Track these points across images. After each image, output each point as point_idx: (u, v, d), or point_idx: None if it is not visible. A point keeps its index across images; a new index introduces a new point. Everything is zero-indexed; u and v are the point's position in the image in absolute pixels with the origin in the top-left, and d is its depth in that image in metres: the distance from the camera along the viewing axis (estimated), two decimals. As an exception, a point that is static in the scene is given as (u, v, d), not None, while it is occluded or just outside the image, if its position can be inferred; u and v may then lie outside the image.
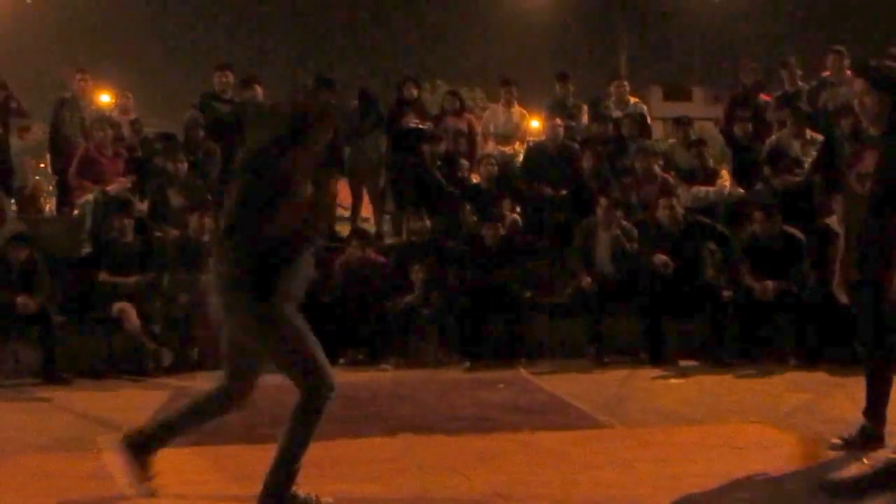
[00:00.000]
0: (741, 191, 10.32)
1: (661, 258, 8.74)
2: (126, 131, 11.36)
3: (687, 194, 10.03)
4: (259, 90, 11.33)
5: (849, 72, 10.87)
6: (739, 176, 10.58)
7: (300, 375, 4.30)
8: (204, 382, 8.09)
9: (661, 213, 9.07)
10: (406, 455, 5.25)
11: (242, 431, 6.00)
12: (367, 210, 12.36)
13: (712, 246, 9.24)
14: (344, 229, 11.65)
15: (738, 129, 11.07)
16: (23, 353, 8.74)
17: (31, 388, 8.07)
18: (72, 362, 8.56)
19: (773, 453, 5.11)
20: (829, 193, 9.21)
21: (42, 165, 33.17)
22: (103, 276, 9.07)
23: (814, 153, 10.27)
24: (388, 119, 11.83)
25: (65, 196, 11.41)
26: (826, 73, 11.21)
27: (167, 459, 5.17)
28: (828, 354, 8.26)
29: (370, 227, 11.60)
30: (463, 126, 11.94)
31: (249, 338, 4.36)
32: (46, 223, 11.48)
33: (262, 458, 4.87)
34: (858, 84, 10.78)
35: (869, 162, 5.09)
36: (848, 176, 5.36)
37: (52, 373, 8.32)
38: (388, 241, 10.79)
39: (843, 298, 5.29)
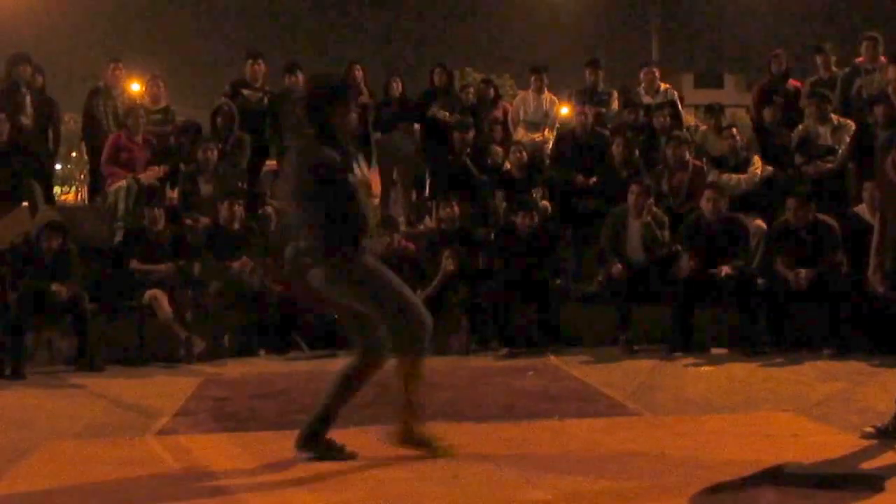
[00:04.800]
0: (772, 170, 10.23)
1: (687, 263, 8.71)
2: (157, 119, 11.42)
3: (718, 182, 9.96)
4: (301, 77, 11.38)
5: (883, 58, 10.77)
6: (772, 164, 10.49)
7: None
8: (234, 369, 8.20)
9: (705, 205, 9.00)
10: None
11: (275, 418, 6.06)
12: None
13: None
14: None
15: (767, 116, 10.97)
16: (57, 340, 8.83)
17: (65, 376, 8.16)
18: (105, 350, 8.63)
19: (805, 442, 5.08)
20: (863, 181, 9.13)
21: (74, 154, 33.41)
22: (135, 265, 9.14)
23: (846, 139, 10.17)
24: (419, 106, 11.84)
25: (97, 185, 11.50)
26: (860, 60, 11.08)
27: (201, 446, 5.24)
28: (861, 343, 8.20)
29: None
30: (498, 114, 11.96)
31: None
32: (79, 211, 11.58)
33: (293, 444, 4.92)
34: (893, 71, 10.75)
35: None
36: (882, 163, 5.30)
37: (85, 360, 8.39)
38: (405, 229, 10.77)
39: (879, 287, 5.25)
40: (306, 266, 4.78)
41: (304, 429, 4.82)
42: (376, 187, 12.27)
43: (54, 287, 8.39)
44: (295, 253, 4.84)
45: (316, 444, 4.79)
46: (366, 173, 9.91)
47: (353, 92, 5.10)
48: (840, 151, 10.16)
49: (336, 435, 4.89)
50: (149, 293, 8.86)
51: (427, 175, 11.95)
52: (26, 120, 10.62)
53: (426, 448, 4.81)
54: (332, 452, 4.77)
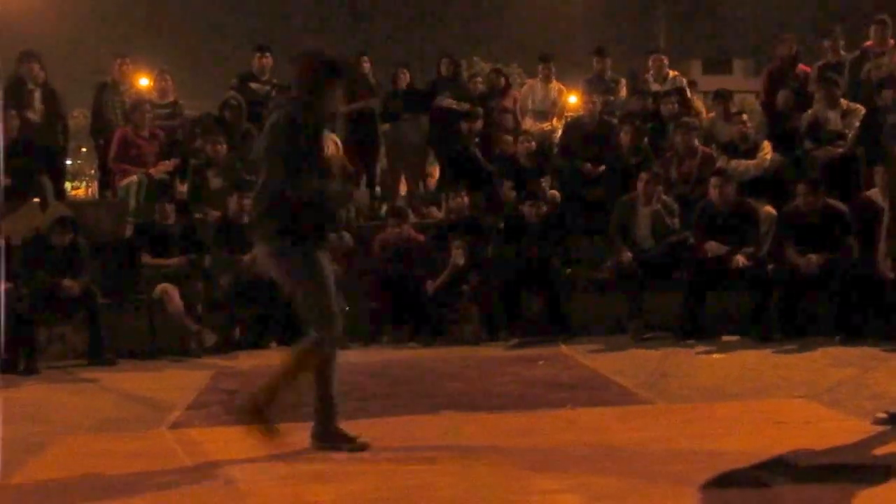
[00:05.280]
0: (782, 157, 10.20)
1: (712, 246, 8.68)
2: (165, 113, 11.43)
3: (727, 168, 9.93)
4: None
5: (892, 42, 10.72)
6: (782, 149, 10.45)
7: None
8: (246, 362, 8.22)
9: (713, 193, 8.99)
10: (449, 432, 5.28)
11: (290, 409, 6.06)
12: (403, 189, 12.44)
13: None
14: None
15: (780, 99, 10.93)
16: (69, 335, 8.87)
17: (77, 370, 8.19)
18: (116, 344, 8.67)
19: (817, 429, 5.08)
20: (872, 165, 9.10)
21: (84, 150, 33.47)
22: (146, 259, 9.18)
23: (855, 124, 10.13)
24: (427, 97, 11.84)
25: (107, 180, 11.53)
26: (869, 44, 11.03)
27: (214, 438, 5.26)
28: (872, 329, 8.18)
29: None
30: (508, 103, 11.95)
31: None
32: (89, 206, 11.61)
33: (305, 435, 4.94)
34: (902, 54, 10.64)
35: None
36: (892, 147, 5.28)
37: (98, 354, 8.43)
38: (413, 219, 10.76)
39: (889, 272, 5.23)
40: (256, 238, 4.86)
41: (316, 425, 4.89)
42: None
43: (66, 282, 8.42)
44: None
45: (328, 435, 4.84)
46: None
47: (345, 73, 5.11)
48: (850, 136, 10.12)
49: (348, 427, 4.91)
50: (160, 287, 8.89)
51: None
52: (34, 115, 10.64)
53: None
54: (344, 443, 4.80)
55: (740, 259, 8.57)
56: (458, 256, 9.16)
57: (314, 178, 4.71)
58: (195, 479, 4.44)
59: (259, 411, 4.72)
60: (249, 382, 6.96)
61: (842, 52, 11.29)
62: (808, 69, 11.44)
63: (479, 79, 12.81)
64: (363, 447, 4.80)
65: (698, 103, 12.29)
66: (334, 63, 4.96)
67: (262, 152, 4.85)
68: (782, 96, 10.88)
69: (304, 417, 5.45)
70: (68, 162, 17.99)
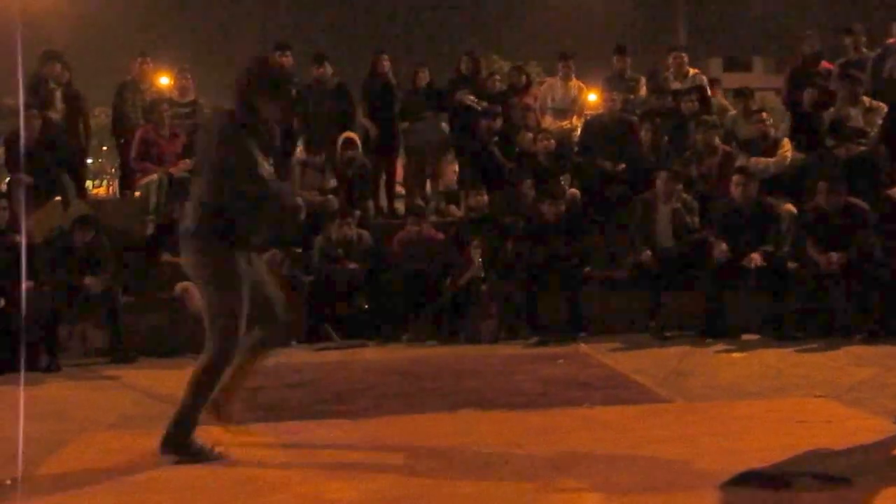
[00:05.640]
0: (802, 155, 10.16)
1: (721, 249, 8.65)
2: (185, 112, 11.48)
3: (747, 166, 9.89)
4: (329, 68, 11.42)
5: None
6: (805, 146, 10.40)
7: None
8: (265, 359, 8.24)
9: (734, 190, 8.95)
10: (467, 430, 5.28)
11: (305, 407, 6.09)
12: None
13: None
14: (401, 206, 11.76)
15: (806, 97, 10.86)
16: (90, 333, 8.93)
17: (98, 367, 8.24)
18: (137, 341, 8.71)
19: (837, 428, 5.04)
20: (895, 163, 9.05)
21: (105, 148, 33.62)
22: (166, 257, 9.21)
23: (878, 122, 10.07)
24: (446, 96, 11.84)
25: (127, 178, 11.60)
26: (890, 41, 10.97)
27: (233, 435, 5.27)
28: (894, 328, 8.13)
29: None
30: (529, 101, 11.95)
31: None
32: (110, 205, 11.68)
33: (324, 433, 4.95)
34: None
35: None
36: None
37: (118, 352, 8.48)
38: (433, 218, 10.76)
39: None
40: (183, 241, 4.75)
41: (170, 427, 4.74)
42: (401, 176, 12.31)
43: (87, 280, 8.47)
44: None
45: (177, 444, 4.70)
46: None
47: (284, 87, 4.99)
48: (872, 134, 10.07)
49: (365, 424, 4.92)
50: (180, 285, 8.92)
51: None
52: (55, 115, 10.72)
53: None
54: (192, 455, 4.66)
55: (756, 258, 8.53)
56: (476, 255, 9.17)
57: (254, 184, 4.62)
58: (215, 476, 4.45)
59: (182, 444, 4.64)
60: (269, 379, 6.99)
61: (863, 50, 11.23)
62: (830, 66, 11.38)
63: (498, 77, 12.80)
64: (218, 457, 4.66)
65: (723, 101, 12.26)
66: (270, 73, 4.85)
67: (201, 157, 4.77)
68: (808, 95, 10.82)
69: (319, 415, 5.48)
70: (89, 160, 18.09)
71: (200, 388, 4.69)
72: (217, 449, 4.69)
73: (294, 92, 11.27)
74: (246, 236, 4.71)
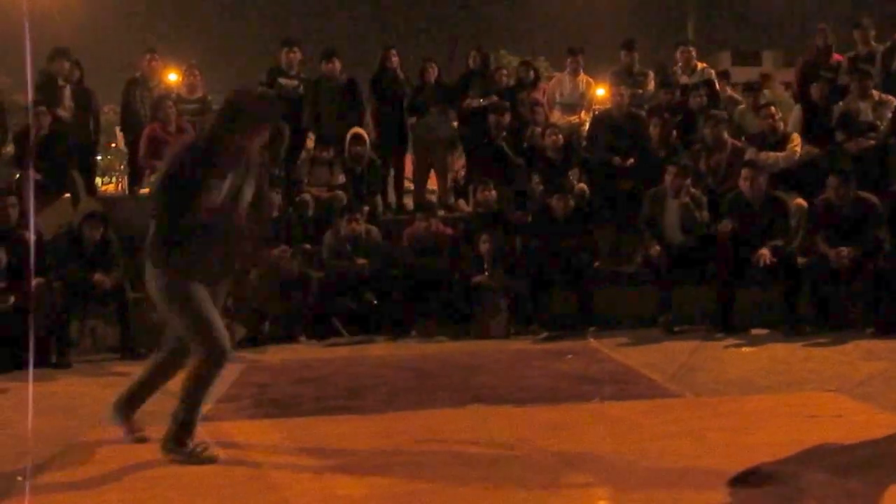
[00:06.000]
0: (813, 149, 10.13)
1: (724, 224, 8.65)
2: (194, 109, 11.48)
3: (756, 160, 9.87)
4: (338, 64, 11.42)
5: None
6: (815, 140, 10.37)
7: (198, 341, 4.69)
8: (275, 356, 8.27)
9: (743, 184, 8.93)
10: (477, 425, 5.29)
11: (315, 403, 6.10)
12: (432, 183, 12.44)
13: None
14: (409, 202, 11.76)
15: (814, 92, 10.85)
16: (100, 329, 8.95)
17: (108, 364, 8.25)
18: (147, 338, 8.71)
19: (848, 422, 5.04)
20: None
21: (113, 146, 33.66)
22: (176, 253, 9.23)
23: (887, 116, 10.04)
24: (455, 91, 11.83)
25: (136, 175, 11.62)
26: (901, 35, 10.94)
27: (244, 431, 5.29)
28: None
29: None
30: (538, 95, 11.94)
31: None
32: (119, 202, 11.70)
33: (334, 429, 4.96)
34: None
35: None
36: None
37: (129, 348, 8.50)
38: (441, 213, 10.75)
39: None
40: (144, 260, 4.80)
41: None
42: (410, 172, 12.31)
43: (97, 276, 8.49)
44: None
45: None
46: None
47: (262, 124, 4.82)
48: (882, 128, 10.04)
49: (374, 420, 4.93)
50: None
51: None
52: (64, 112, 10.74)
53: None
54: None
55: (765, 255, 8.50)
56: (486, 251, 9.18)
57: (200, 211, 4.60)
58: (226, 471, 4.47)
59: (183, 445, 4.66)
60: (278, 375, 7.02)
61: (873, 43, 11.19)
62: (842, 58, 11.34)
63: (505, 72, 12.79)
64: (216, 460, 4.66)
65: (734, 93, 12.23)
66: (251, 107, 4.79)
67: (161, 175, 4.71)
68: (816, 88, 10.80)
69: (329, 411, 5.49)
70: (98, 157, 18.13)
71: (194, 393, 4.71)
72: (216, 451, 4.69)
73: (301, 88, 11.30)
74: (199, 264, 4.71)
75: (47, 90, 10.69)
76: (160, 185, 4.65)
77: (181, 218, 4.60)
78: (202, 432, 4.78)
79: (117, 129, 12.08)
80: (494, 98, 11.49)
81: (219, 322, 4.72)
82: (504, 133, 11.00)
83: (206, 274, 4.75)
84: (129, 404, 5.10)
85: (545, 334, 8.81)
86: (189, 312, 4.67)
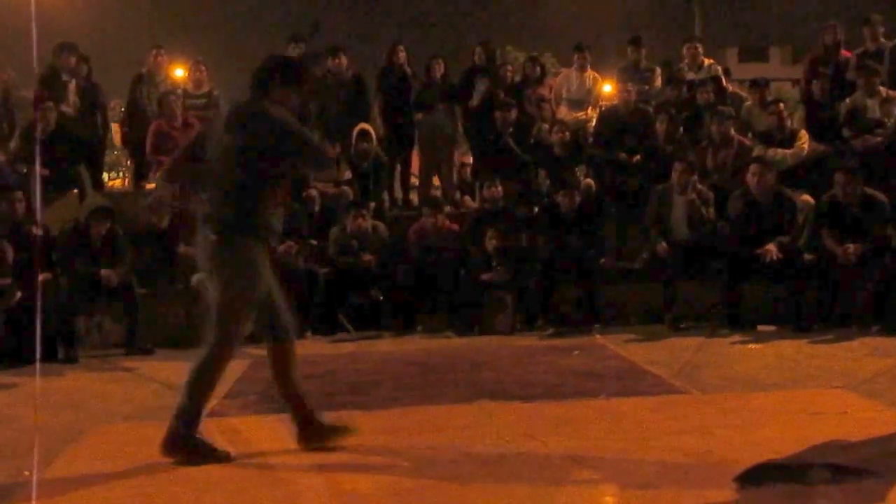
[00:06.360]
0: (822, 147, 10.12)
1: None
2: (200, 104, 11.49)
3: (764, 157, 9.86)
4: (344, 60, 11.42)
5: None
6: (818, 136, 10.36)
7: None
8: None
9: (751, 181, 8.91)
10: (483, 421, 5.29)
11: (322, 399, 6.09)
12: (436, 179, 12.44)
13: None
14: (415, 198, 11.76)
15: (815, 88, 10.84)
16: (107, 324, 8.97)
17: (115, 359, 8.28)
18: (154, 333, 8.74)
19: (854, 419, 5.04)
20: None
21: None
22: (182, 249, 9.24)
23: (895, 113, 10.01)
24: (461, 87, 11.82)
25: (141, 170, 11.63)
26: (910, 31, 10.91)
27: (250, 427, 5.30)
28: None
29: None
30: (545, 91, 11.92)
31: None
32: (126, 197, 11.71)
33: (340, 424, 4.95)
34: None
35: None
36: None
37: (135, 344, 8.51)
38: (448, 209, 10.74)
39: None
40: (204, 237, 4.68)
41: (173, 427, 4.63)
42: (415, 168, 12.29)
43: (104, 272, 8.50)
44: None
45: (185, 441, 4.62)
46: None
47: (303, 78, 4.93)
48: (889, 124, 10.01)
49: (380, 416, 4.93)
50: (196, 277, 8.95)
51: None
52: (67, 108, 10.74)
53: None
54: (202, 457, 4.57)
55: (772, 250, 8.49)
56: (492, 247, 9.18)
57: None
58: (232, 466, 4.48)
59: (184, 444, 4.55)
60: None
61: (881, 40, 11.16)
62: (850, 55, 11.31)
63: (510, 67, 12.78)
64: (226, 457, 4.58)
65: (740, 89, 12.21)
66: (288, 64, 4.89)
67: (217, 148, 4.68)
68: (817, 85, 10.78)
69: (335, 407, 5.49)
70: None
71: (199, 386, 4.63)
72: (223, 449, 4.63)
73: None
74: (267, 222, 4.65)
75: (51, 85, 10.69)
76: (227, 150, 4.62)
77: (257, 175, 4.58)
78: (210, 428, 4.79)
79: (115, 125, 12.07)
80: (489, 84, 11.45)
81: (248, 321, 4.71)
82: (510, 129, 10.99)
83: (273, 234, 4.79)
84: (303, 421, 4.76)
85: (551, 330, 8.82)
86: (241, 291, 4.60)
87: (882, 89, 10.24)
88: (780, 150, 9.89)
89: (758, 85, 11.28)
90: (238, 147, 4.58)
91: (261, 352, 8.20)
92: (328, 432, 4.73)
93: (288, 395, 4.80)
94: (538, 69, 12.27)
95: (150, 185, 10.83)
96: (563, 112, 11.78)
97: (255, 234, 4.63)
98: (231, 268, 4.60)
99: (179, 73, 15.94)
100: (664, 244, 8.94)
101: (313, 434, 4.71)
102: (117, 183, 32.73)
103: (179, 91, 11.41)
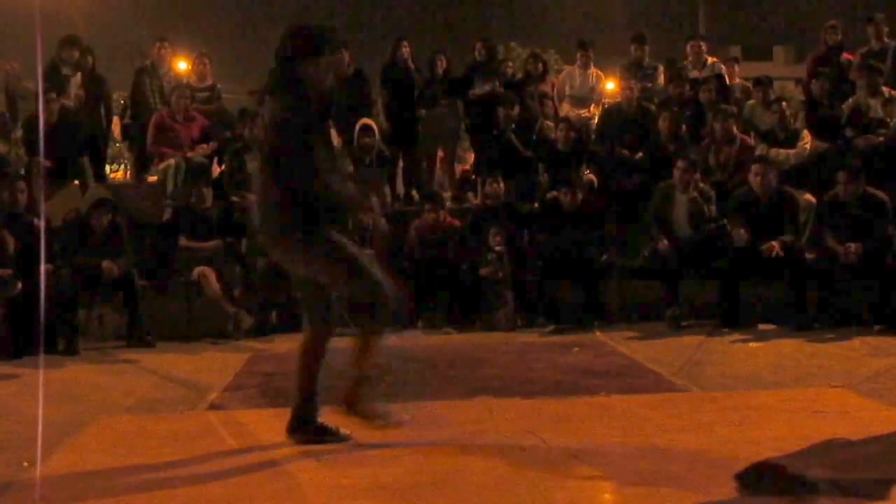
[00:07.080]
0: (824, 145, 10.12)
1: (740, 233, 8.62)
2: (203, 97, 11.49)
3: (766, 156, 9.85)
4: (346, 55, 11.41)
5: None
6: (824, 137, 10.35)
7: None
8: (282, 345, 8.27)
9: (754, 180, 8.90)
10: (484, 418, 5.29)
11: (322, 393, 6.09)
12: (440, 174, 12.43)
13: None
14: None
15: (815, 87, 10.83)
16: (108, 316, 8.98)
17: (116, 351, 8.29)
18: (155, 325, 8.75)
19: (854, 418, 5.03)
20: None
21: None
22: (183, 242, 9.26)
23: (896, 112, 10.03)
24: (464, 83, 11.81)
25: (142, 163, 11.64)
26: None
27: (250, 420, 5.30)
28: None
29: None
30: (547, 88, 11.92)
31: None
32: (128, 189, 11.73)
33: (339, 419, 4.95)
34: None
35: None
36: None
37: (136, 336, 8.52)
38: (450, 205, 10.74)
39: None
40: (262, 243, 4.68)
41: (292, 417, 4.73)
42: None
43: (105, 264, 8.50)
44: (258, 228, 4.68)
45: (307, 428, 4.71)
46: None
47: (331, 45, 4.66)
48: (892, 124, 10.01)
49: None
50: (197, 270, 8.97)
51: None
52: (68, 101, 10.73)
53: (365, 421, 4.70)
54: (326, 436, 4.69)
55: (775, 246, 8.49)
56: (493, 243, 9.17)
57: (329, 164, 4.55)
58: (232, 461, 4.48)
59: (308, 425, 4.68)
60: (282, 365, 7.01)
61: (885, 40, 11.15)
62: (851, 56, 11.31)
63: (511, 63, 12.76)
64: (346, 438, 4.68)
65: (743, 83, 12.20)
66: (313, 33, 4.58)
67: (274, 141, 4.52)
68: (817, 85, 10.78)
69: (333, 401, 5.48)
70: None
71: (307, 367, 4.76)
72: (343, 430, 4.70)
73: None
74: (330, 208, 4.57)
75: (53, 78, 10.69)
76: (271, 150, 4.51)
77: (306, 191, 4.46)
78: (211, 421, 4.79)
79: (115, 118, 12.08)
80: (496, 84, 11.44)
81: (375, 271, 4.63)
82: (513, 125, 10.98)
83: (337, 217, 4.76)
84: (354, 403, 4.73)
85: (552, 327, 8.82)
86: (350, 264, 4.55)
87: (885, 89, 10.24)
88: (782, 150, 9.89)
89: (761, 83, 11.27)
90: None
91: (262, 346, 8.29)
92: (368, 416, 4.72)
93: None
94: (540, 66, 12.26)
95: (152, 178, 10.84)
96: (567, 109, 11.77)
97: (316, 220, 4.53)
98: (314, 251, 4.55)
99: (183, 65, 15.93)
100: (665, 242, 8.94)
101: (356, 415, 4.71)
102: (119, 175, 32.70)
103: (185, 86, 11.39)
